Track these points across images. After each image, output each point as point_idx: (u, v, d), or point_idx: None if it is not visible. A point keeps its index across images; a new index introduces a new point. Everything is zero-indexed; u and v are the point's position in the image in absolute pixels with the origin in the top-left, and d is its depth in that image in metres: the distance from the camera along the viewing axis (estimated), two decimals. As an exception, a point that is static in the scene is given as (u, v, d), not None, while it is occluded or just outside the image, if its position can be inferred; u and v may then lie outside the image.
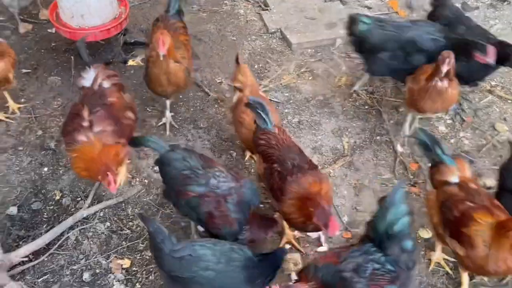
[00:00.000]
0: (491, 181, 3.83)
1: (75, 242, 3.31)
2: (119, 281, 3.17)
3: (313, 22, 5.11)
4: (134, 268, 3.22)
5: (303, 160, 3.03)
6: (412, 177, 3.82)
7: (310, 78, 4.66)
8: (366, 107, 4.42)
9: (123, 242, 3.34)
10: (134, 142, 3.26)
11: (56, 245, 3.22)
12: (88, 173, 3.01)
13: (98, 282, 3.15)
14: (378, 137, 4.16)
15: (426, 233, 3.53)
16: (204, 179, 2.87)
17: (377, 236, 2.49)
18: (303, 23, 5.09)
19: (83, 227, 3.36)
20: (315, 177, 2.89)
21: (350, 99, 4.48)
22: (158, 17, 4.01)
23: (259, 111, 3.16)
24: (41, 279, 3.11)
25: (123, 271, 3.22)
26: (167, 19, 3.89)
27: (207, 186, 2.86)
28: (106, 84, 3.31)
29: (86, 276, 3.16)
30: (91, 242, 3.32)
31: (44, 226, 3.36)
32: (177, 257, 2.60)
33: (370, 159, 3.97)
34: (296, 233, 3.36)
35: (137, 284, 3.17)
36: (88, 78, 3.32)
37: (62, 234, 3.28)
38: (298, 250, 3.30)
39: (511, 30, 5.22)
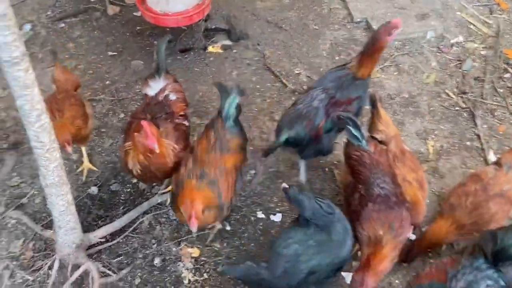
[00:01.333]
0: None
1: (148, 226, 3.39)
2: (187, 269, 3.20)
3: (403, 12, 4.76)
4: (202, 258, 3.24)
5: (393, 191, 2.73)
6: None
7: (395, 73, 4.37)
8: (457, 108, 4.06)
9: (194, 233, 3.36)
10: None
11: (131, 228, 3.31)
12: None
13: (168, 268, 3.21)
14: (468, 143, 3.82)
15: None
16: None
17: (497, 251, 2.31)
18: (391, 12, 4.76)
19: (156, 212, 3.43)
20: (400, 215, 2.63)
21: (438, 99, 4.14)
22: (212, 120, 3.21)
23: (349, 128, 2.87)
24: (116, 260, 3.22)
25: (192, 260, 3.25)
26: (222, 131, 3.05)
27: None
28: (173, 97, 3.20)
29: (157, 261, 3.23)
30: (163, 228, 3.38)
31: (121, 207, 3.47)
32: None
33: (457, 167, 3.65)
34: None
35: (204, 274, 3.18)
36: (154, 87, 3.23)
37: (137, 218, 3.36)
38: None
39: None
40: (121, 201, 3.52)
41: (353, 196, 2.77)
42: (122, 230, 3.31)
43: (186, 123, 3.20)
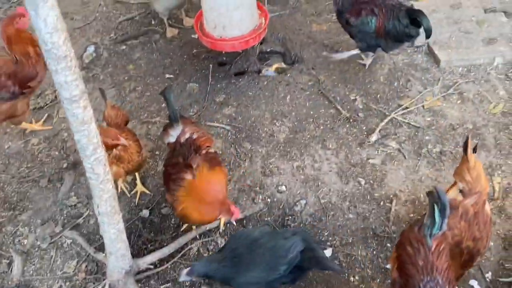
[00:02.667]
0: None
1: (196, 253, 3.38)
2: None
3: (469, 37, 4.51)
4: None
5: None
6: None
7: (458, 101, 4.12)
8: (527, 142, 3.76)
9: (241, 261, 3.32)
10: None
11: (180, 254, 3.32)
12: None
13: (213, 293, 3.20)
14: (539, 181, 3.52)
15: None
16: None
17: None
18: (456, 37, 4.52)
19: (205, 239, 3.42)
20: None
21: (506, 131, 3.86)
22: None
23: (436, 209, 2.37)
24: (163, 286, 3.23)
25: None
26: None
27: None
28: (194, 135, 3.21)
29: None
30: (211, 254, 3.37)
31: (171, 232, 3.49)
32: None
33: (526, 207, 3.36)
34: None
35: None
36: (174, 135, 3.24)
37: (186, 244, 3.37)
38: None
39: None
40: (171, 225, 3.54)
41: None
42: (171, 256, 3.32)
43: (212, 150, 3.25)
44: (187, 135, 3.20)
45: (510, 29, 4.58)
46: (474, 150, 2.83)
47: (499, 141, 3.80)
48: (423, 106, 4.12)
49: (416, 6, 4.84)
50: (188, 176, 2.98)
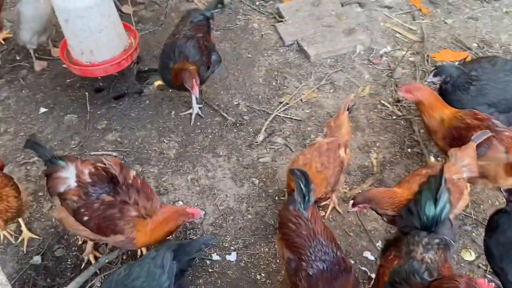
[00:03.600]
0: None
1: (99, 288, 3.23)
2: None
3: (331, 30, 4.86)
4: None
5: (336, 259, 2.57)
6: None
7: (331, 90, 4.43)
8: (394, 117, 4.15)
9: (148, 285, 3.23)
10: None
11: (81, 295, 3.15)
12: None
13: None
14: (409, 150, 3.90)
15: (469, 255, 3.26)
16: None
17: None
18: (320, 32, 4.85)
19: (106, 273, 3.27)
20: (346, 282, 2.50)
21: (375, 110, 4.22)
22: None
23: (301, 185, 2.67)
24: (68, 331, 3.05)
25: (150, 317, 3.11)
26: None
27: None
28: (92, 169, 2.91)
29: (112, 325, 3.08)
30: (116, 288, 3.23)
31: (69, 273, 3.29)
32: None
33: (401, 175, 3.70)
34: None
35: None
36: (69, 176, 2.85)
37: (86, 282, 3.20)
38: None
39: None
40: (68, 266, 3.34)
41: (299, 275, 2.55)
42: (71, 298, 3.14)
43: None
44: (86, 171, 2.86)
45: (365, 18, 5.03)
46: (349, 111, 3.42)
47: (371, 121, 4.14)
48: (301, 100, 4.36)
49: (281, 7, 5.14)
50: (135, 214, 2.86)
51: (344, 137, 3.29)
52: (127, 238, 2.85)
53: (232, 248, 3.40)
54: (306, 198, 2.68)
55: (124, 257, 3.36)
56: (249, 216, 3.57)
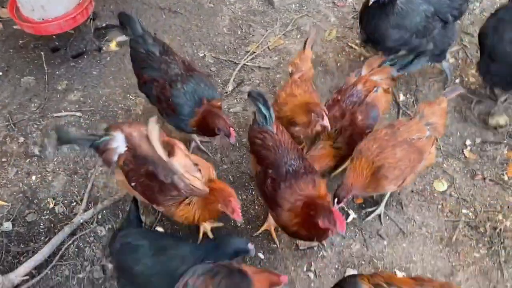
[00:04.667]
0: (503, 120, 3.60)
1: (76, 250, 3.16)
2: (129, 283, 3.05)
3: (294, -25, 4.71)
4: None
5: (301, 164, 2.69)
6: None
7: (298, 36, 4.34)
8: (362, 58, 4.12)
9: (127, 242, 3.19)
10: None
11: (58, 256, 3.07)
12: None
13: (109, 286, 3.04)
14: (378, 90, 3.90)
15: (441, 186, 3.35)
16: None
17: None
18: (285, -24, 4.69)
19: (82, 233, 3.20)
20: (310, 181, 2.62)
21: (343, 53, 4.18)
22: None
23: (260, 105, 2.77)
24: (48, 294, 3.00)
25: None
26: None
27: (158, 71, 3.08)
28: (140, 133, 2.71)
29: (94, 283, 3.04)
30: (94, 247, 3.17)
31: (43, 237, 3.21)
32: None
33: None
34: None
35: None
36: (119, 145, 2.70)
37: (62, 244, 3.12)
38: (273, 241, 3.15)
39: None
40: (41, 231, 3.25)
41: (266, 183, 2.69)
42: (48, 261, 3.06)
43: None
44: (135, 133, 2.68)
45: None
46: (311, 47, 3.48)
47: (339, 64, 4.11)
48: (268, 48, 4.26)
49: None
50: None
51: (310, 71, 3.37)
52: (167, 211, 2.74)
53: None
54: (268, 115, 2.77)
55: (100, 217, 3.28)
56: (225, 166, 3.54)
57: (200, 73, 3.23)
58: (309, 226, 2.51)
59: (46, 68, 4.06)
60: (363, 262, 3.07)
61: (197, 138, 3.60)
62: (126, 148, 2.68)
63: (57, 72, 4.06)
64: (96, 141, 2.73)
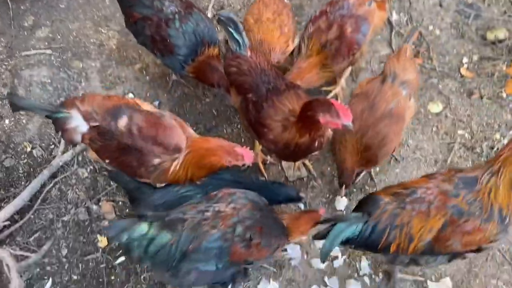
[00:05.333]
0: (502, 33, 3.37)
1: (59, 193, 3.06)
2: (115, 223, 2.98)
3: None
4: (127, 211, 3.01)
5: (281, 82, 2.49)
6: (413, 46, 3.35)
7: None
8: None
9: (111, 183, 3.08)
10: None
11: (39, 200, 2.97)
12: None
13: (94, 229, 2.97)
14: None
15: (436, 107, 3.18)
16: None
17: None
18: None
19: (63, 175, 3.08)
20: (294, 96, 2.40)
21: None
22: None
23: (231, 30, 2.54)
24: (33, 237, 2.93)
25: (117, 213, 3.01)
26: None
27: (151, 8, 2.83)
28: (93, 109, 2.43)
29: (80, 225, 2.97)
30: (77, 190, 3.07)
31: (23, 182, 3.10)
32: None
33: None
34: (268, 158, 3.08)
35: (134, 223, 2.97)
36: (78, 123, 2.41)
37: (43, 188, 3.02)
38: (261, 174, 3.02)
39: None
40: (20, 175, 3.13)
41: (248, 109, 2.49)
42: (31, 206, 2.97)
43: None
44: (89, 108, 2.41)
45: None
46: None
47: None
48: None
49: None
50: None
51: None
52: (155, 181, 2.50)
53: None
54: (240, 40, 2.55)
55: (80, 158, 3.15)
56: (207, 100, 3.35)
57: (200, 11, 2.97)
58: (307, 129, 2.25)
59: (10, 4, 3.73)
60: (354, 190, 2.98)
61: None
62: (88, 127, 2.40)
63: (22, 7, 3.74)
64: (54, 114, 2.43)
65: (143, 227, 2.09)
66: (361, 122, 2.55)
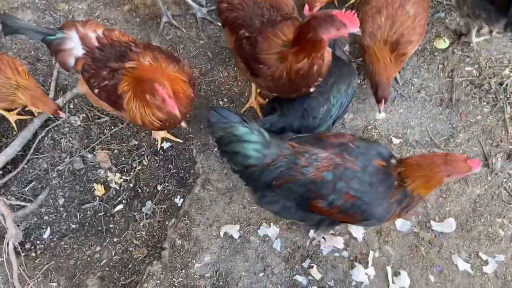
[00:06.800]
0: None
1: (52, 142, 2.97)
2: (111, 172, 2.91)
3: None
4: (122, 158, 2.94)
5: (276, 13, 2.30)
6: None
7: None
8: None
9: (105, 131, 2.99)
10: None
11: (32, 149, 2.89)
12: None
13: (90, 178, 2.91)
14: None
15: (443, 43, 3.01)
16: None
17: None
18: None
19: (55, 124, 2.98)
20: (292, 25, 2.21)
21: None
22: None
23: None
24: (28, 187, 2.87)
25: (113, 161, 2.94)
26: None
27: None
28: (99, 32, 2.37)
29: (75, 174, 2.90)
30: (70, 138, 2.98)
31: (15, 132, 2.99)
32: None
33: None
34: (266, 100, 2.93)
35: (131, 172, 2.91)
36: (74, 45, 2.34)
37: (35, 137, 2.93)
38: (258, 117, 2.90)
39: None
40: (11, 126, 3.03)
41: (242, 47, 2.32)
42: (24, 155, 2.90)
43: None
44: (92, 34, 2.35)
45: None
46: None
47: None
48: None
49: None
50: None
51: None
52: (133, 117, 2.35)
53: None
54: None
55: (72, 106, 3.04)
56: (202, 42, 3.18)
57: None
58: (305, 52, 2.06)
59: None
60: (356, 132, 2.87)
61: (168, 13, 3.19)
62: (83, 51, 2.33)
63: None
64: (49, 37, 2.36)
65: (244, 130, 2.01)
66: (386, 12, 2.42)
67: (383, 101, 2.51)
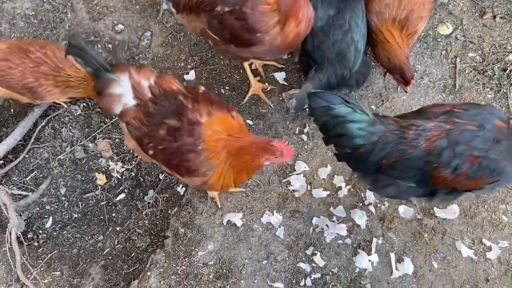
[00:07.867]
0: None
1: (53, 131, 2.96)
2: (113, 161, 2.90)
3: None
4: (123, 147, 2.92)
5: None
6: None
7: None
8: None
9: (106, 120, 2.97)
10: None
11: (32, 139, 2.88)
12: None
13: (92, 167, 2.90)
14: None
15: (446, 29, 2.98)
16: None
17: None
18: None
19: (56, 113, 2.96)
20: None
21: None
22: None
23: None
24: (29, 177, 2.86)
25: (114, 151, 2.92)
26: None
27: None
28: (152, 80, 2.11)
29: (77, 163, 2.89)
30: (71, 127, 2.97)
31: (14, 122, 2.98)
32: None
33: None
34: (266, 84, 2.93)
35: (132, 161, 2.90)
36: (124, 92, 2.07)
37: (36, 126, 2.91)
38: (265, 103, 2.88)
39: None
40: (11, 115, 3.01)
41: (225, 25, 2.24)
42: (25, 145, 2.88)
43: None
44: (145, 83, 2.08)
45: None
46: None
47: None
48: None
49: None
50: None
51: None
52: (203, 185, 2.19)
53: (189, 66, 3.06)
54: None
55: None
56: (202, 29, 3.15)
57: None
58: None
59: None
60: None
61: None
62: (135, 102, 2.05)
63: None
64: (104, 72, 2.07)
65: (347, 110, 1.95)
66: None
67: (410, 83, 2.44)
